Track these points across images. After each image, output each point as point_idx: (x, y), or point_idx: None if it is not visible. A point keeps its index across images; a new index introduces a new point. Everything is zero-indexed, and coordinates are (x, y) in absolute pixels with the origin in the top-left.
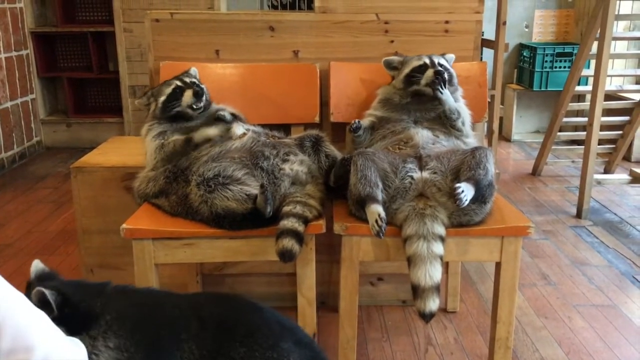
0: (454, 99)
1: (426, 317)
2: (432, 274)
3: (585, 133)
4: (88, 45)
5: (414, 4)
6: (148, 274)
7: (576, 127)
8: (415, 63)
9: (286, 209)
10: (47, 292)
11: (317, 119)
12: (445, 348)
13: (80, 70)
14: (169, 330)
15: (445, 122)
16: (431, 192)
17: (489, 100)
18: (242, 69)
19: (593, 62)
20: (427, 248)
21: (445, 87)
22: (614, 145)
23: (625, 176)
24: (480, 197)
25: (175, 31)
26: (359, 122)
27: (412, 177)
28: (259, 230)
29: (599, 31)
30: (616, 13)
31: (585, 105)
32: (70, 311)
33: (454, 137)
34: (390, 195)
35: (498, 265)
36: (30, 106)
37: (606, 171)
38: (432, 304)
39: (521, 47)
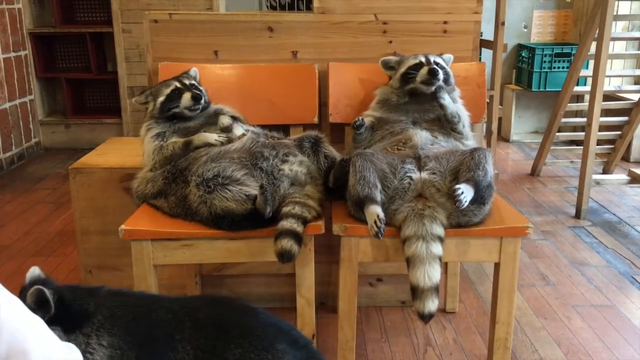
0: (452, 99)
1: (425, 317)
2: (431, 274)
3: (584, 133)
4: (86, 46)
5: (412, 4)
6: (147, 275)
7: (575, 128)
8: (411, 61)
9: (285, 209)
10: (46, 290)
11: (316, 120)
12: (445, 349)
13: (79, 71)
14: (162, 330)
15: (445, 126)
16: (430, 193)
17: (488, 100)
18: (240, 69)
19: (592, 63)
20: (426, 249)
21: (439, 82)
22: (612, 146)
23: (624, 176)
24: (479, 198)
25: (173, 32)
26: (362, 119)
27: (410, 178)
28: (258, 231)
29: (597, 31)
30: (615, 13)
31: (584, 105)
32: (65, 310)
33: (453, 138)
34: (389, 196)
35: (497, 265)
36: (29, 107)
37: (605, 171)
38: (431, 304)
39: (520, 47)
